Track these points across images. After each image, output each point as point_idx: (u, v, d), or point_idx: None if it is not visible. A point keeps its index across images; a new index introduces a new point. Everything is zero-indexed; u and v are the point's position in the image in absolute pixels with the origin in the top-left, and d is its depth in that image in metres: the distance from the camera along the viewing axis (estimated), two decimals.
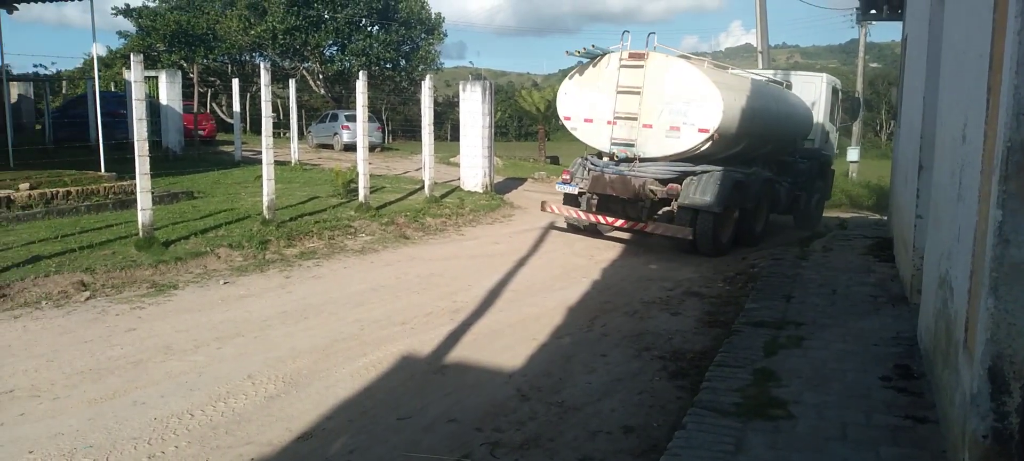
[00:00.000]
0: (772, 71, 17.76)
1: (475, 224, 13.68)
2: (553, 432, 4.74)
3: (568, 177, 12.43)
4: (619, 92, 11.77)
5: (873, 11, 15.56)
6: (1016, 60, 2.91)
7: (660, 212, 11.77)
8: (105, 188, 12.55)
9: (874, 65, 63.20)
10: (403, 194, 15.56)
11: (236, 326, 6.92)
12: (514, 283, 9.09)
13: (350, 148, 24.93)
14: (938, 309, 4.68)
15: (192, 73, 27.96)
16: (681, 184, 11.28)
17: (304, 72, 38.77)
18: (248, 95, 33.59)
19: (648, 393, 5.42)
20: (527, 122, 49.83)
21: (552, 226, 13.21)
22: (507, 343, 6.60)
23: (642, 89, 11.56)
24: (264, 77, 11.43)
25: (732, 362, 5.58)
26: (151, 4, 39.33)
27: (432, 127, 15.50)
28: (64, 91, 38.36)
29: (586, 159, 12.42)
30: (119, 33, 40.73)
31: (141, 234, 9.41)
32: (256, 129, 23.16)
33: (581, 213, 12.30)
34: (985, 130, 3.49)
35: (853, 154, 28.45)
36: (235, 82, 23.04)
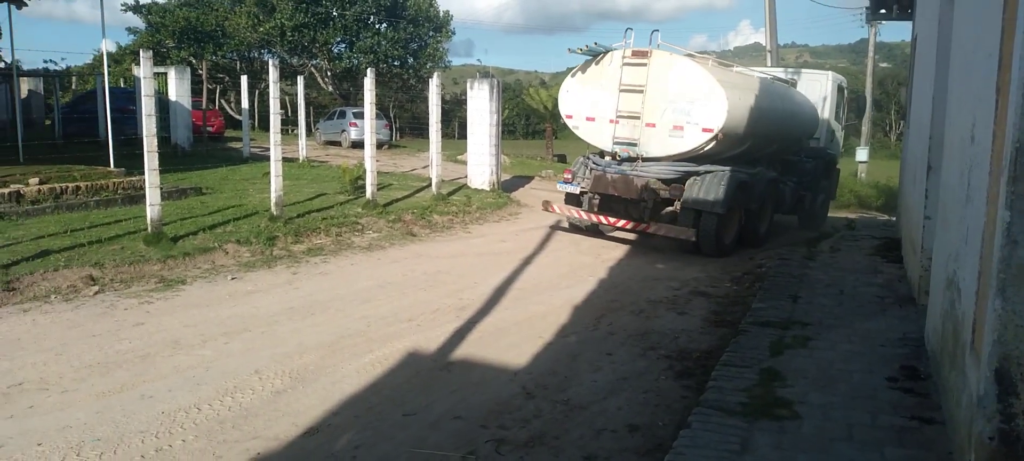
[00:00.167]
0: (780, 69, 17.62)
1: (482, 222, 13.69)
2: (558, 430, 4.75)
3: (570, 176, 12.28)
4: (622, 90, 11.64)
5: (883, 10, 15.50)
6: None
7: (663, 212, 11.66)
8: (114, 183, 12.62)
9: (884, 65, 62.94)
10: (410, 191, 15.59)
11: (243, 321, 6.94)
12: (520, 281, 9.09)
13: (358, 145, 24.95)
14: (945, 310, 4.67)
15: (201, 70, 28.10)
16: (684, 184, 11.17)
17: (312, 69, 38.88)
18: (256, 92, 33.71)
19: (654, 392, 5.42)
20: (534, 120, 49.77)
21: (558, 225, 13.18)
22: (513, 341, 6.60)
23: (645, 87, 11.43)
24: (272, 74, 11.46)
25: (738, 362, 5.57)
26: (160, 0, 39.52)
27: (439, 125, 15.52)
28: (74, 87, 38.57)
29: (588, 158, 12.29)
30: (128, 29, 40.97)
31: (150, 229, 9.45)
32: (264, 126, 23.25)
33: (582, 213, 12.16)
34: (994, 130, 3.48)
35: (862, 154, 28.30)
36: (244, 79, 23.09)
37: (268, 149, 11.55)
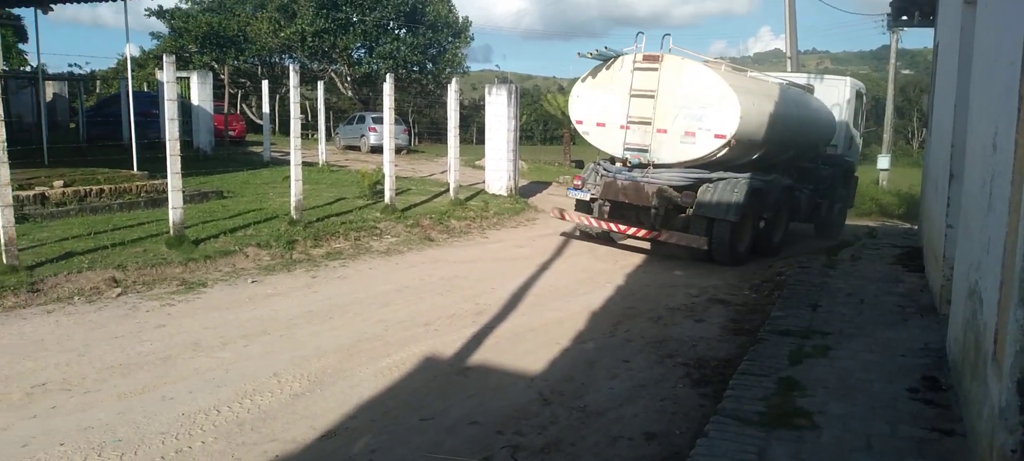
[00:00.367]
0: (797, 74, 17.43)
1: (499, 227, 13.72)
2: (574, 437, 4.75)
3: (580, 183, 12.11)
4: (633, 96, 11.47)
5: (904, 17, 15.37)
6: None
7: (675, 220, 11.47)
8: (137, 186, 12.77)
9: (906, 72, 62.30)
10: (428, 196, 15.65)
11: (263, 324, 7.01)
12: (537, 287, 9.10)
13: (377, 150, 25.09)
14: (967, 320, 4.62)
15: (223, 74, 28.37)
16: (696, 191, 11.00)
17: (332, 74, 39.13)
18: (277, 96, 34.01)
19: (671, 400, 5.41)
20: (552, 125, 49.82)
21: (575, 230, 13.14)
22: (530, 347, 6.61)
23: (656, 93, 11.26)
24: (293, 79, 11.56)
25: (756, 370, 5.54)
26: (184, 6, 39.97)
27: (457, 130, 15.56)
28: (98, 90, 39.08)
29: (599, 164, 12.13)
30: (152, 34, 41.38)
31: (172, 232, 9.56)
32: (285, 130, 23.43)
33: (593, 220, 11.97)
34: (1016, 139, 3.44)
35: (884, 162, 28.07)
36: (265, 83, 23.31)
37: (288, 153, 11.65)
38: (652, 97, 11.31)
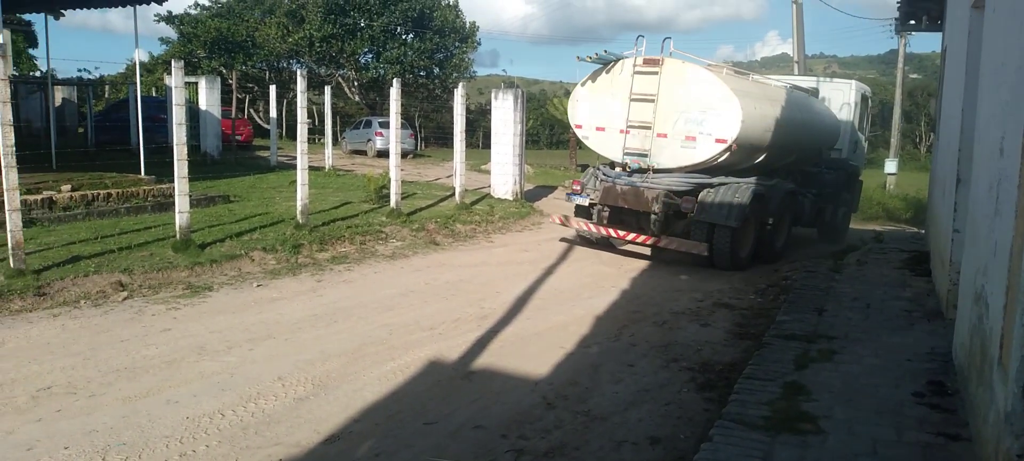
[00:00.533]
0: (801, 78, 17.30)
1: (505, 231, 13.72)
2: (578, 441, 4.74)
3: (579, 188, 11.97)
4: (632, 100, 11.33)
5: (912, 21, 15.34)
6: None
7: (675, 226, 11.33)
8: (144, 191, 12.83)
9: (914, 76, 62.13)
10: (434, 200, 15.66)
11: (268, 328, 7.02)
12: (542, 291, 9.09)
13: (383, 154, 25.14)
14: (973, 325, 4.59)
15: (231, 79, 28.45)
16: (697, 197, 10.86)
17: (339, 79, 39.26)
18: (285, 101, 34.12)
19: (676, 404, 5.39)
20: (558, 130, 49.82)
21: (576, 236, 13.05)
22: (534, 351, 6.60)
23: (657, 97, 11.12)
24: (300, 84, 11.59)
25: (762, 375, 5.52)
26: (192, 12, 40.20)
27: (464, 134, 15.57)
28: (107, 95, 39.28)
29: (598, 169, 11.99)
30: (161, 39, 41.83)
31: (178, 236, 9.59)
32: (292, 135, 23.53)
33: (592, 226, 11.81)
34: (1022, 144, 3.43)
35: (891, 166, 27.96)
36: (272, 88, 23.41)
37: (295, 158, 11.68)
38: (652, 101, 11.19)
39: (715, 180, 11.04)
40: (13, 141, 7.95)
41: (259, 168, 20.27)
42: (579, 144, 34.07)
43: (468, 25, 39.94)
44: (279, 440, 4.67)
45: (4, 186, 8.03)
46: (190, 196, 9.95)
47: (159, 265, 8.82)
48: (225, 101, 25.42)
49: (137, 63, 18.09)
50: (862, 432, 4.46)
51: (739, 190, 10.75)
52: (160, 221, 11.19)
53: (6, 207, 8.03)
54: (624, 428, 4.95)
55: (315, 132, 30.18)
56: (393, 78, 14.14)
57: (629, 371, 6.11)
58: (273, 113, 23.72)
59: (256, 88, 40.01)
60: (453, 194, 15.63)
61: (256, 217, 12.10)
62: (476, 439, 4.73)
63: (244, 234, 10.68)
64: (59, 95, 29.36)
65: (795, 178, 13.03)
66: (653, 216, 11.11)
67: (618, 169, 11.71)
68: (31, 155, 13.98)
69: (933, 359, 5.87)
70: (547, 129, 53.53)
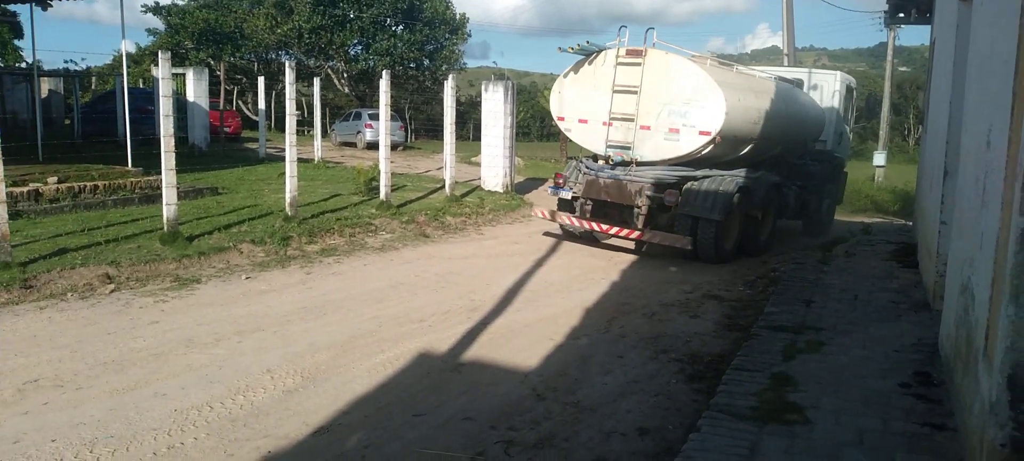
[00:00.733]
0: (785, 69, 17.23)
1: (495, 224, 13.71)
2: (568, 432, 4.75)
3: (561, 181, 11.80)
4: (615, 91, 11.17)
5: (901, 14, 15.40)
6: None
7: (659, 219, 11.19)
8: (131, 183, 12.74)
9: (903, 69, 62.40)
10: (424, 193, 15.64)
11: (256, 321, 6.99)
12: (532, 283, 9.10)
13: (373, 146, 25.09)
14: (959, 316, 4.63)
15: (219, 71, 28.31)
16: (681, 189, 10.74)
17: (329, 71, 39.07)
18: (273, 93, 33.93)
19: (664, 395, 5.41)
20: (549, 122, 49.70)
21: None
22: (524, 343, 6.61)
23: (639, 88, 10.96)
24: (289, 75, 11.53)
25: (750, 366, 5.54)
26: (180, 2, 39.91)
27: (454, 127, 15.55)
28: (93, 87, 38.98)
29: (581, 162, 11.84)
30: (148, 30, 41.48)
31: (166, 229, 9.54)
32: (281, 127, 23.38)
33: (574, 220, 11.63)
34: (1009, 136, 3.45)
35: (879, 158, 28.08)
36: (261, 80, 23.29)
37: (284, 150, 11.63)
38: (635, 93, 11.03)
39: (699, 173, 10.95)
40: None
41: (247, 160, 20.18)
42: None
43: (458, 16, 39.81)
44: (268, 432, 4.66)
45: None
46: (178, 188, 9.90)
47: (147, 257, 8.77)
48: (213, 93, 25.26)
49: (124, 54, 17.92)
50: (849, 422, 4.49)
51: (723, 183, 10.68)
52: (147, 213, 11.13)
53: None
54: (613, 419, 4.96)
55: (304, 124, 30.05)
56: (383, 70, 14.08)
57: (618, 362, 6.13)
58: (262, 105, 23.60)
59: (244, 79, 39.79)
60: (443, 186, 15.61)
61: (245, 209, 12.05)
62: (465, 431, 4.74)
63: (232, 226, 10.63)
64: (45, 86, 29.14)
65: (780, 170, 12.94)
66: (636, 210, 11.01)
67: (601, 162, 11.58)
68: (17, 147, 13.87)
69: (920, 350, 5.92)
70: (538, 121, 53.52)
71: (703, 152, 10.82)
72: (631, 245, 11.79)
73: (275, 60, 39.84)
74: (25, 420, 4.71)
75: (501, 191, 16.46)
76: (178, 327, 6.71)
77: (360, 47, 38.42)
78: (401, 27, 38.27)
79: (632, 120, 11.11)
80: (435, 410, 5.06)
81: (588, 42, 11.64)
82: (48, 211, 10.96)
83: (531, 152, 32.87)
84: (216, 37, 37.74)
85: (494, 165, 16.82)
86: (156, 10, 39.22)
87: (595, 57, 11.59)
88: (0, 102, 24.11)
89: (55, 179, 11.97)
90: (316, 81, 22.14)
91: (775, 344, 6.06)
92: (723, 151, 11.07)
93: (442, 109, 17.00)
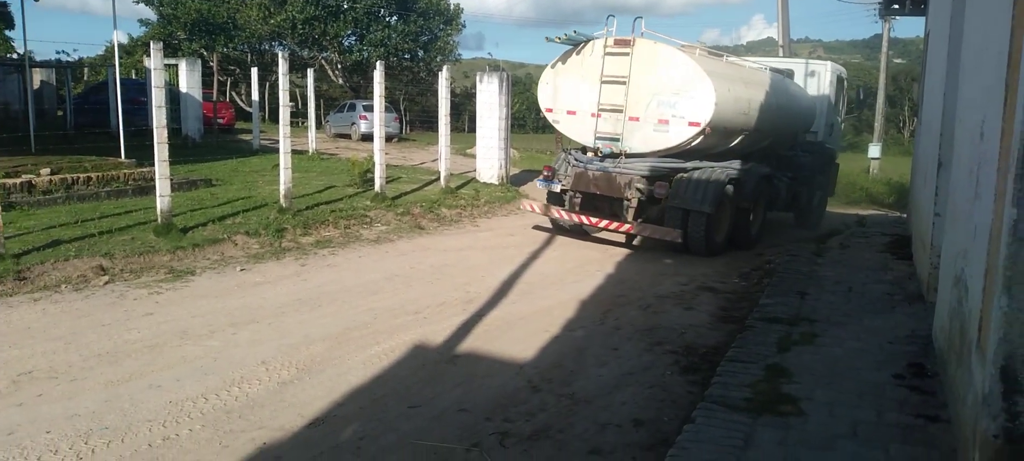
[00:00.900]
0: (777, 59, 17.15)
1: (490, 216, 13.71)
2: (563, 424, 4.76)
3: (549, 173, 11.63)
4: (604, 82, 10.99)
5: (896, 5, 15.44)
6: None
7: (649, 212, 11.02)
8: (125, 174, 12.69)
9: (898, 61, 62.51)
10: (419, 185, 15.61)
11: (251, 312, 6.98)
12: (527, 275, 9.10)
13: (367, 138, 25.04)
14: (953, 308, 4.65)
15: (212, 62, 28.18)
16: (671, 181, 10.61)
17: (323, 62, 38.96)
18: (267, 84, 33.82)
19: (659, 387, 5.42)
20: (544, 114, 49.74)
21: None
22: (519, 335, 6.61)
23: (628, 79, 10.78)
24: (282, 66, 11.49)
25: (744, 357, 5.56)
26: None
27: (449, 118, 15.51)
28: (86, 78, 38.78)
29: (570, 154, 11.66)
30: (140, 21, 41.04)
31: (160, 220, 9.51)
32: (274, 118, 23.32)
33: (563, 213, 11.49)
34: (1002, 128, 3.46)
35: (874, 150, 28.14)
36: (254, 71, 23.19)
37: (278, 141, 11.59)
38: (624, 84, 10.85)
39: (689, 164, 10.84)
40: None
41: (241, 152, 20.10)
42: None
43: (453, 7, 39.74)
44: (263, 424, 4.66)
45: None
46: (171, 180, 9.86)
47: (141, 249, 8.74)
48: (206, 84, 25.14)
49: (116, 45, 17.81)
50: (843, 414, 4.51)
51: (714, 174, 10.57)
52: (141, 205, 11.09)
53: None
54: (608, 411, 4.97)
55: (298, 115, 30.01)
56: (377, 61, 14.03)
57: (614, 354, 6.14)
58: (255, 96, 23.50)
59: (238, 70, 39.62)
60: (438, 178, 15.59)
61: (239, 201, 12.01)
62: (461, 422, 4.74)
63: (227, 218, 10.60)
64: (37, 77, 28.97)
65: (770, 162, 12.84)
66: (626, 202, 10.89)
67: (590, 154, 11.45)
68: (9, 138, 13.81)
69: (913, 342, 5.94)
70: (533, 113, 53.39)
71: (693, 143, 10.71)
72: (621, 238, 11.70)
73: (268, 51, 39.70)
74: (20, 412, 4.70)
75: (496, 183, 16.45)
76: (173, 319, 6.70)
77: (354, 38, 38.34)
78: (395, 18, 38.18)
79: (621, 111, 10.96)
80: (430, 402, 5.06)
81: (575, 31, 11.48)
82: (41, 203, 10.91)
83: (527, 144, 32.84)
84: (209, 27, 37.55)
85: (489, 157, 16.80)
86: (148, 1, 38.99)
87: (583, 47, 11.39)
88: None
89: (48, 170, 11.92)
90: (310, 72, 22.06)
91: (770, 336, 6.09)
92: (713, 142, 10.98)
93: (437, 101, 16.96)
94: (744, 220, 11.41)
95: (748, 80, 11.85)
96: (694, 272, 9.55)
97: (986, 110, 4.02)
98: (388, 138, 16.85)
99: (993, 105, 3.75)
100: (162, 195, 9.50)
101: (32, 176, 11.51)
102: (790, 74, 14.84)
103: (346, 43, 38.54)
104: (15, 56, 33.68)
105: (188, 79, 21.94)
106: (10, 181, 10.98)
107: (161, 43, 10.03)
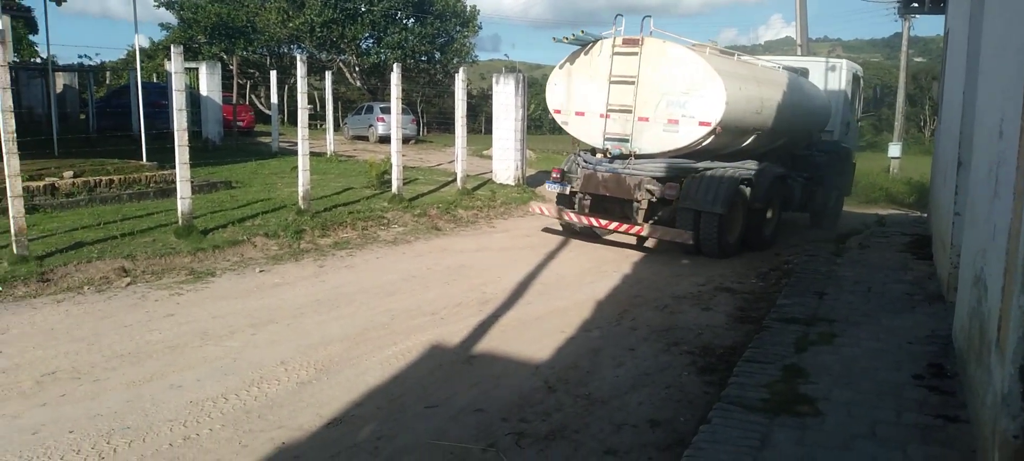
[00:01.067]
0: (790, 58, 16.92)
1: (506, 217, 13.73)
2: (579, 424, 4.77)
3: (558, 175, 11.46)
4: (612, 82, 10.84)
5: (915, 4, 15.27)
6: None
7: (659, 213, 10.78)
8: (146, 177, 12.85)
9: (918, 59, 61.76)
10: (436, 186, 15.67)
11: (270, 313, 7.05)
12: (544, 276, 9.11)
13: (385, 140, 25.12)
14: (972, 307, 4.61)
15: (232, 65, 28.42)
16: (681, 183, 10.43)
17: (340, 64, 39.17)
18: (286, 87, 34.07)
19: (676, 387, 5.42)
20: None
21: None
22: (535, 335, 6.63)
23: (637, 79, 10.61)
24: (300, 69, 11.57)
25: (762, 358, 5.54)
26: None
27: (465, 120, 15.55)
28: (108, 82, 39.24)
29: (579, 155, 11.52)
30: (161, 25, 41.72)
31: (180, 222, 9.62)
32: (293, 120, 23.48)
33: (573, 215, 11.32)
34: (1021, 126, 3.43)
35: (894, 150, 27.87)
36: (273, 74, 23.40)
37: (296, 144, 11.68)
38: (633, 83, 10.68)
39: (700, 165, 10.69)
40: (14, 127, 7.96)
41: (260, 154, 20.27)
42: None
43: (469, 9, 39.79)
44: (282, 423, 4.71)
45: (6, 172, 8.05)
46: (192, 182, 9.97)
47: (162, 251, 8.85)
48: (226, 87, 25.40)
49: (137, 49, 18.07)
50: (861, 414, 4.49)
51: (725, 174, 10.43)
52: (162, 207, 11.22)
53: (8, 193, 8.06)
54: (624, 411, 4.98)
55: (316, 118, 30.17)
56: (394, 63, 14.10)
57: (630, 355, 6.14)
58: (274, 99, 23.71)
59: (257, 74, 39.94)
60: (455, 179, 15.64)
61: (258, 203, 12.12)
62: (477, 422, 4.77)
63: (246, 220, 10.70)
64: (60, 81, 29.33)
65: (785, 161, 12.63)
66: (636, 204, 10.73)
67: (599, 155, 11.32)
68: (33, 141, 13.99)
69: (933, 342, 5.89)
70: (549, 114, 53.45)
71: (704, 143, 10.55)
72: (632, 241, 11.55)
73: (287, 54, 39.99)
74: (43, 411, 4.78)
75: (512, 184, 16.46)
76: (193, 320, 6.78)
77: (371, 40, 38.49)
78: (412, 20, 38.31)
79: (630, 112, 10.81)
80: (447, 402, 5.09)
81: (583, 31, 11.33)
82: (64, 205, 11.07)
83: (543, 145, 32.80)
84: (228, 31, 37.88)
85: (505, 158, 16.81)
86: (169, 5, 39.37)
87: (591, 47, 11.24)
88: (16, 97, 24.15)
89: (71, 173, 12.10)
90: (328, 75, 22.21)
91: (787, 336, 6.06)
92: (725, 142, 10.83)
93: (454, 102, 17.01)
94: (758, 221, 11.21)
95: (760, 79, 11.67)
96: (711, 273, 9.52)
97: (1005, 109, 3.98)
98: (405, 140, 16.89)
99: (1012, 103, 3.72)
100: (183, 197, 9.61)
101: (55, 179, 11.68)
102: (805, 72, 14.60)
103: (364, 46, 38.72)
104: (38, 60, 34.14)
105: (208, 82, 22.16)
106: (34, 184, 11.15)
107: (182, 47, 10.15)
